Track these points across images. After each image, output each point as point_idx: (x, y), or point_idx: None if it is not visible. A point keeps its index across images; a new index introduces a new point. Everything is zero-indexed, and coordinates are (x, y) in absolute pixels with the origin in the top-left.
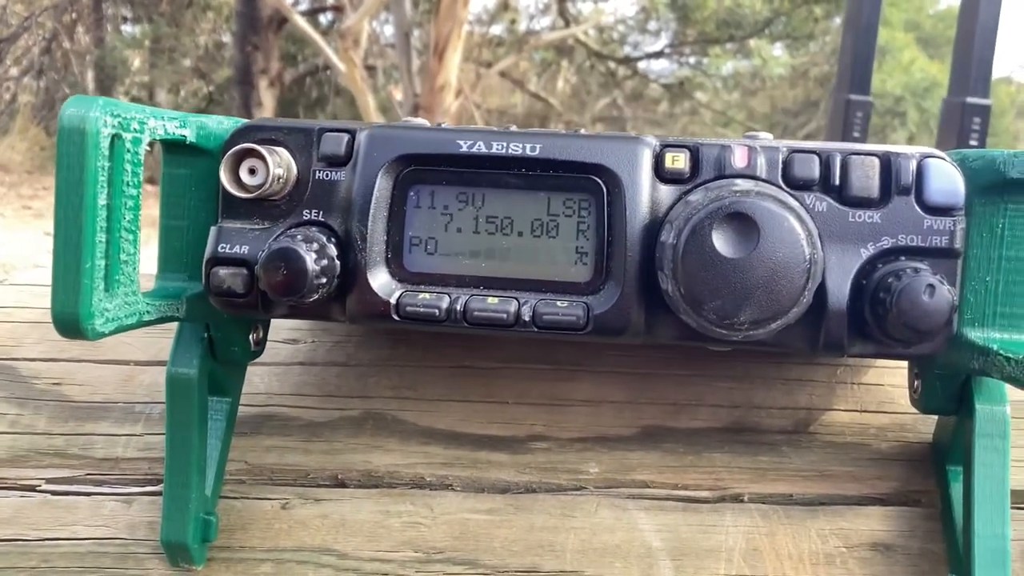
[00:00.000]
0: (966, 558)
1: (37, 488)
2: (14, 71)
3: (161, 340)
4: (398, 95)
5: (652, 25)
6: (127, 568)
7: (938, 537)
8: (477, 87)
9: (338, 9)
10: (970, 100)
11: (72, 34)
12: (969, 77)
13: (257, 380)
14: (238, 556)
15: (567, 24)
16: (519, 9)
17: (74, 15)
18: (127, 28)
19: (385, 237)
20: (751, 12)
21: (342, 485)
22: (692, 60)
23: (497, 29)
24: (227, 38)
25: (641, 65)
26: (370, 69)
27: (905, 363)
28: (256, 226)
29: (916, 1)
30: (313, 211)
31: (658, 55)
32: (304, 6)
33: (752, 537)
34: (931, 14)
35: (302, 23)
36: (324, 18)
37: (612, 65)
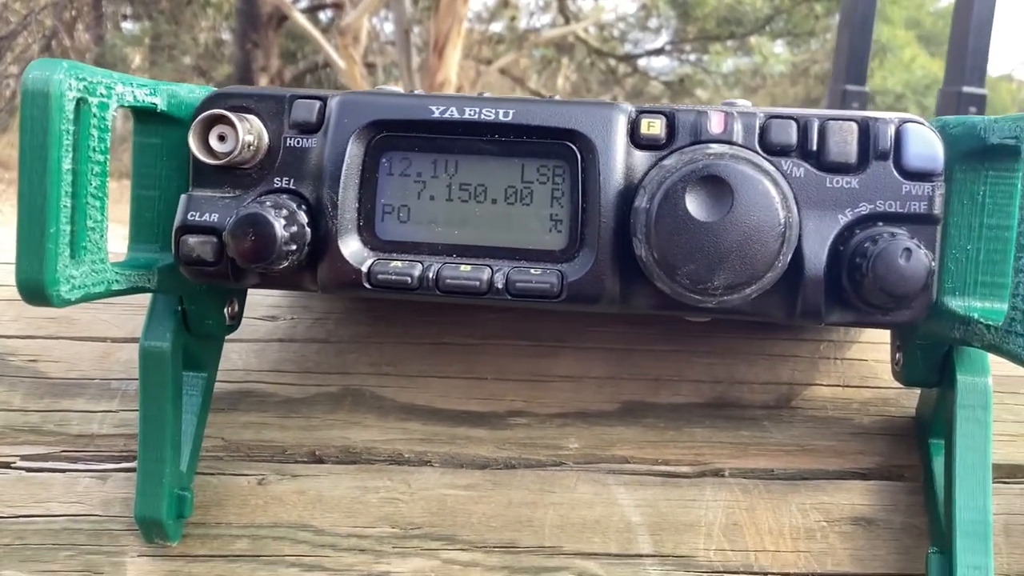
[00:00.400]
0: (948, 532)
1: (12, 465)
2: (14, 69)
3: (138, 317)
4: None
5: (652, 22)
6: (101, 545)
7: (920, 511)
8: (477, 84)
9: (338, 6)
10: (966, 90)
11: (72, 32)
12: (965, 66)
13: (235, 356)
14: (214, 532)
15: (567, 21)
16: (519, 6)
17: (74, 13)
18: (127, 25)
19: (357, 205)
20: (751, 9)
21: (319, 461)
22: (692, 57)
23: (497, 26)
24: (227, 36)
25: (641, 62)
26: (370, 66)
27: (888, 337)
28: (226, 194)
29: None
30: (284, 179)
31: (658, 52)
32: (304, 3)
33: (732, 511)
34: (931, 12)
35: (302, 20)
36: (324, 15)
37: (612, 62)
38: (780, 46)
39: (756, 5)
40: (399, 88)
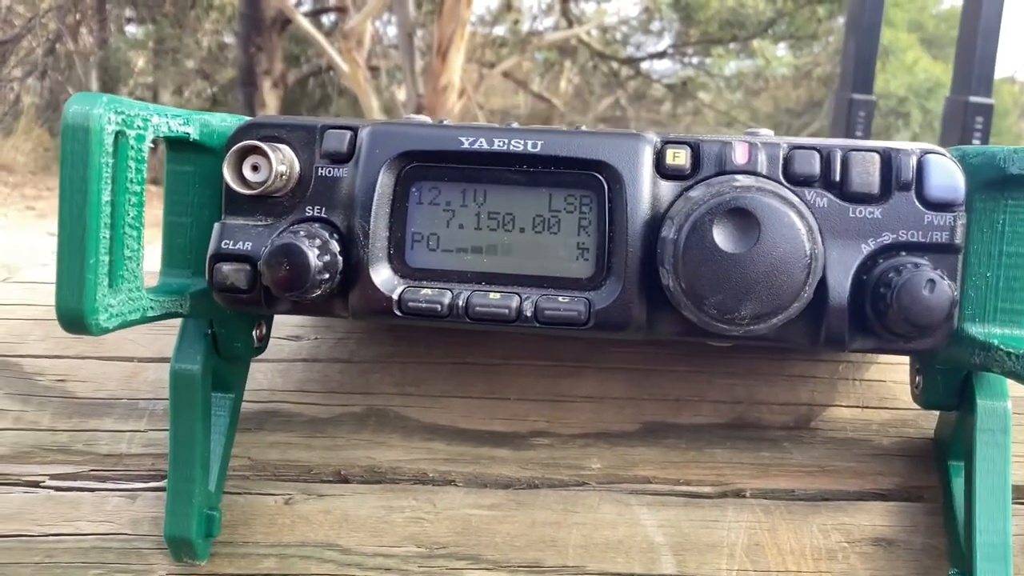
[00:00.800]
0: (967, 553)
1: (41, 484)
2: (18, 72)
3: (165, 337)
4: (401, 96)
5: (655, 25)
6: (130, 563)
7: (940, 532)
8: (480, 87)
9: (341, 10)
10: (973, 99)
11: (76, 35)
12: (971, 76)
13: (260, 376)
14: (241, 551)
15: (570, 24)
16: (522, 10)
17: (78, 16)
18: (131, 29)
19: (387, 233)
20: (754, 12)
21: (345, 481)
22: (695, 60)
23: (500, 30)
24: (231, 39)
25: (644, 65)
26: (373, 70)
27: (907, 359)
28: (259, 222)
29: (919, 1)
30: (316, 207)
31: (661, 55)
32: (307, 7)
33: (754, 532)
34: (934, 14)
35: (305, 24)
36: (327, 19)
37: (615, 65)
38: (783, 49)
39: (758, 8)
40: (428, 118)
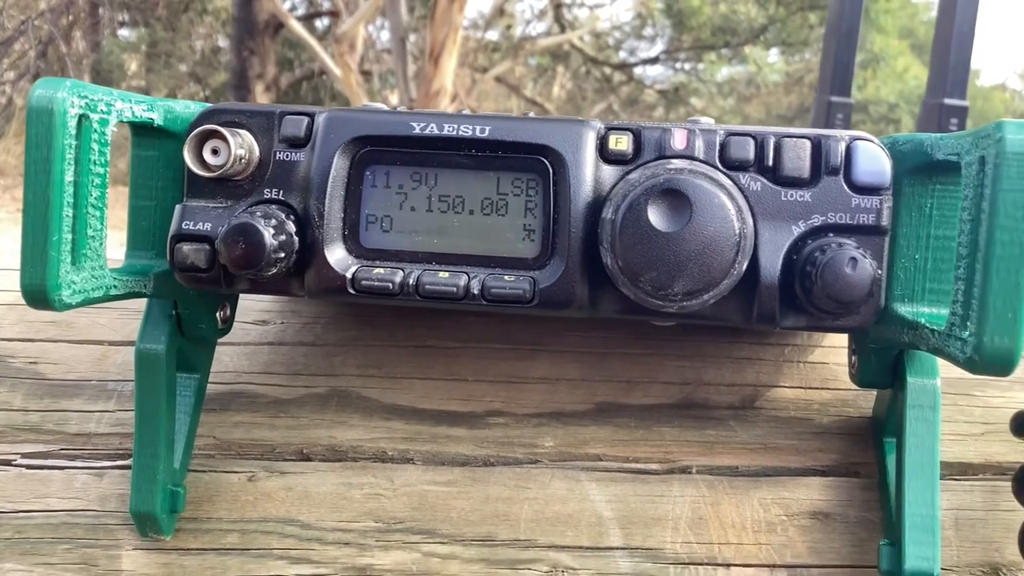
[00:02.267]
0: (898, 525)
1: (12, 462)
2: (10, 75)
3: (134, 321)
4: (394, 100)
5: (647, 31)
6: (98, 538)
7: (875, 506)
8: (473, 92)
9: (334, 14)
10: (948, 102)
11: (68, 38)
12: (946, 79)
13: (227, 359)
14: (205, 527)
15: (563, 30)
16: (515, 14)
17: (71, 19)
18: (123, 32)
19: (342, 215)
20: (746, 19)
21: (307, 459)
22: (687, 66)
23: (493, 34)
24: (224, 43)
25: (637, 71)
26: (366, 74)
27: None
28: (219, 204)
29: (910, 8)
30: (274, 190)
31: (653, 61)
32: (300, 11)
33: (698, 506)
34: (925, 21)
35: (298, 28)
36: (320, 23)
37: (608, 71)
38: (774, 55)
39: (750, 15)
40: (384, 104)
